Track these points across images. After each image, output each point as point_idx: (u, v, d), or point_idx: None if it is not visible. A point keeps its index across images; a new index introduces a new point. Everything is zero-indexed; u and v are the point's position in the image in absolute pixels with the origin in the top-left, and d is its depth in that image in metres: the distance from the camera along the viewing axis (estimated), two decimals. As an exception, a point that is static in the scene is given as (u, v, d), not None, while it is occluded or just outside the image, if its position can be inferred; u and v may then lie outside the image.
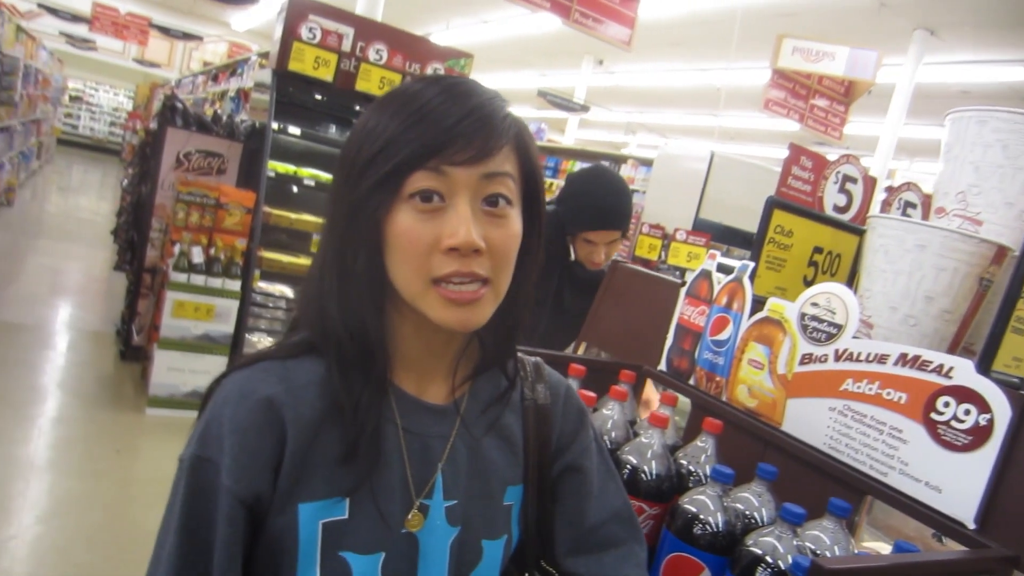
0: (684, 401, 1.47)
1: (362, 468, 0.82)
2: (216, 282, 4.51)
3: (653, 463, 1.17)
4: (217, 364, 4.56)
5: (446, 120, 0.79)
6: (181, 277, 4.42)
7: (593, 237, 2.31)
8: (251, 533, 0.81)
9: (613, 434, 1.28)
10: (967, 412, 1.03)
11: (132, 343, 5.25)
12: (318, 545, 0.80)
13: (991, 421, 1.01)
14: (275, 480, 0.80)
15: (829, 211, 1.54)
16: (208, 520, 0.78)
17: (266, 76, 5.07)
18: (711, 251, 1.48)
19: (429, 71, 5.14)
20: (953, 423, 1.05)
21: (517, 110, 0.88)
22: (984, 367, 1.07)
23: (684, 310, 1.51)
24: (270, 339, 5.14)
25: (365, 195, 0.80)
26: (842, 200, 1.54)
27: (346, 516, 0.82)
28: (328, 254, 0.85)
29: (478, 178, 0.80)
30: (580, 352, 1.86)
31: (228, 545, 0.78)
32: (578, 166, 10.58)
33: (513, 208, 0.84)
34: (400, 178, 0.79)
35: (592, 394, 1.28)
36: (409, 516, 0.85)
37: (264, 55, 6.29)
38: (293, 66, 4.73)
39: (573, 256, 2.39)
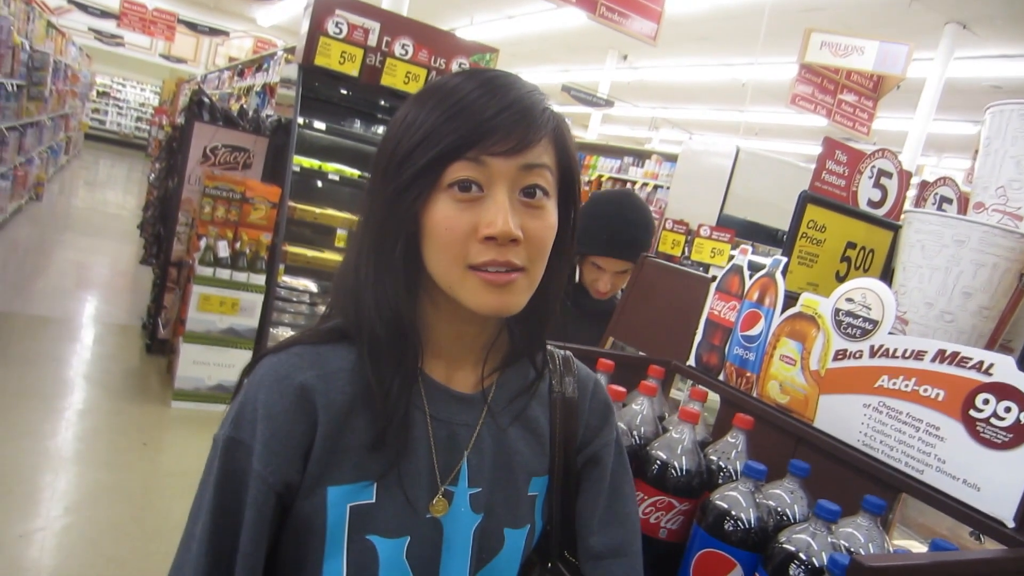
0: (713, 397, 1.45)
1: (390, 454, 0.83)
2: (241, 276, 4.55)
3: (683, 458, 1.16)
4: (242, 358, 4.60)
5: (486, 112, 0.79)
6: (207, 271, 4.46)
7: (602, 263, 2.19)
8: (279, 517, 0.82)
9: (642, 429, 1.27)
10: (1007, 409, 1.01)
11: (158, 336, 5.30)
12: (345, 528, 0.82)
13: (1033, 419, 0.99)
14: (305, 466, 0.81)
15: (863, 206, 1.51)
16: (238, 501, 0.80)
17: (292, 71, 5.09)
18: (742, 246, 1.47)
19: (454, 66, 5.14)
20: (993, 420, 1.02)
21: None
22: (1025, 364, 1.04)
23: (714, 305, 1.49)
24: (294, 333, 5.17)
25: (404, 185, 0.81)
26: (877, 195, 1.52)
27: (373, 500, 0.83)
28: (365, 243, 0.86)
29: (516, 169, 0.81)
30: (607, 347, 1.85)
31: (254, 529, 0.79)
32: (602, 161, 10.52)
33: (550, 200, 0.85)
34: (440, 168, 0.80)
35: (621, 389, 1.27)
36: (434, 501, 0.86)
37: (290, 50, 6.33)
38: (319, 61, 4.75)
39: (578, 278, 2.31)
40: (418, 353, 0.87)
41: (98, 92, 21.58)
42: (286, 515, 0.83)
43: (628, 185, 10.05)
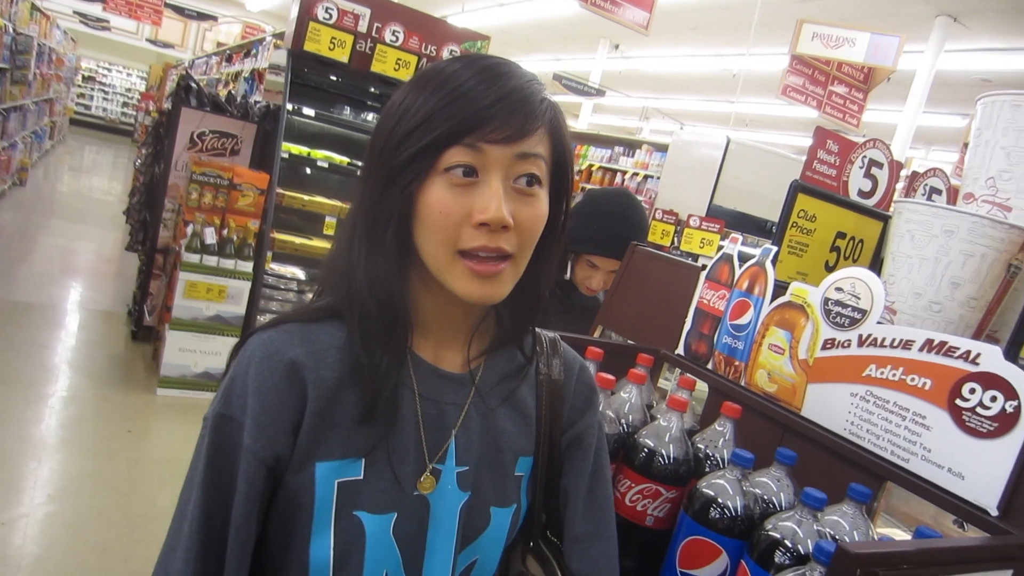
0: (701, 386, 1.46)
1: (378, 430, 0.85)
2: (228, 263, 4.52)
3: (671, 446, 1.16)
4: (228, 345, 4.53)
5: (484, 100, 0.81)
6: (194, 258, 4.43)
7: (598, 262, 2.18)
8: (270, 491, 0.84)
9: (631, 417, 1.27)
10: (993, 399, 1.02)
11: (144, 323, 5.27)
12: (333, 504, 0.83)
13: (1018, 408, 0.99)
14: (294, 440, 0.83)
15: (854, 196, 1.51)
16: (230, 476, 0.81)
17: (281, 57, 5.05)
18: (733, 235, 1.47)
19: (445, 53, 5.11)
20: (979, 410, 1.03)
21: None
22: (1012, 354, 1.05)
23: (704, 294, 1.49)
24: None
25: (401, 167, 0.82)
26: (867, 185, 1.52)
27: (361, 476, 0.85)
28: (358, 223, 0.87)
29: (512, 157, 0.82)
30: (596, 336, 1.85)
31: (246, 503, 0.81)
32: (592, 151, 10.50)
33: (542, 189, 0.86)
34: (436, 152, 0.81)
35: (610, 377, 1.27)
36: (421, 479, 0.87)
37: (279, 36, 6.28)
38: (309, 47, 4.72)
39: (569, 274, 2.30)
40: (408, 332, 0.89)
41: (83, 77, 21.38)
42: (275, 491, 0.84)
43: (618, 175, 10.05)
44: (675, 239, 5.43)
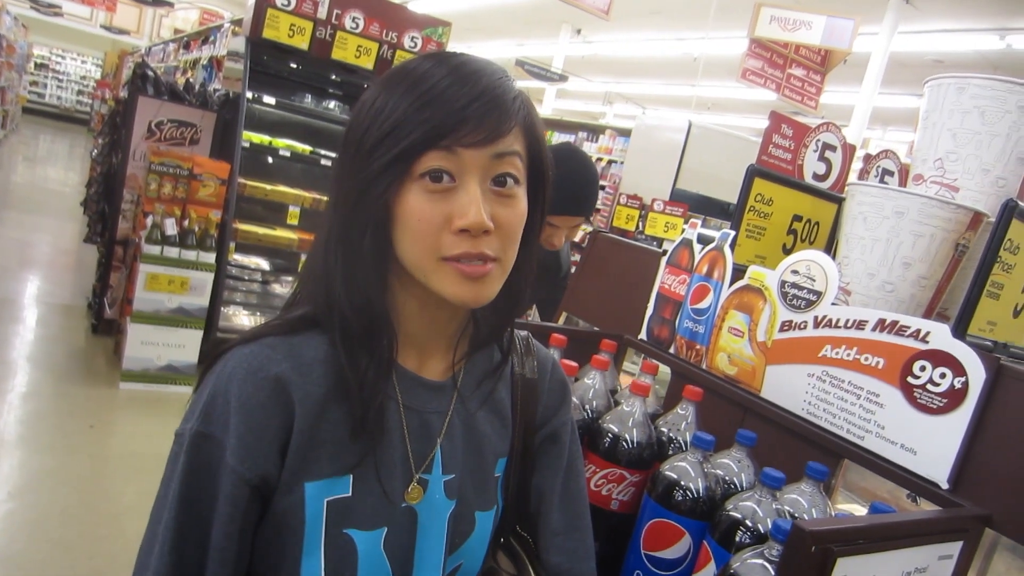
0: (664, 370, 1.48)
1: (366, 444, 0.83)
2: (190, 254, 4.45)
3: (634, 431, 1.18)
4: (192, 338, 4.52)
5: (457, 102, 0.78)
6: (154, 249, 4.35)
7: (559, 222, 2.21)
8: (257, 512, 0.81)
9: (594, 403, 1.28)
10: (943, 375, 1.05)
11: (104, 317, 5.18)
12: (323, 523, 0.81)
13: (966, 384, 1.02)
14: (282, 460, 0.80)
15: (809, 179, 1.54)
16: (208, 497, 0.78)
17: (240, 44, 4.97)
18: (692, 220, 1.49)
19: (406, 40, 5.07)
20: (929, 386, 1.06)
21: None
22: (960, 331, 1.08)
23: (665, 279, 1.51)
24: (246, 312, 5.10)
25: (375, 175, 0.79)
26: (821, 168, 1.55)
27: (350, 493, 0.83)
28: (334, 231, 0.84)
29: (488, 158, 0.80)
30: (560, 322, 1.86)
31: (227, 524, 0.78)
32: (556, 136, 10.51)
33: (520, 187, 0.84)
34: (411, 158, 0.78)
35: (574, 363, 1.29)
36: (408, 489, 0.86)
37: (237, 22, 6.17)
38: (267, 34, 4.65)
39: None
40: (392, 341, 0.86)
41: (36, 64, 20.83)
42: (264, 511, 0.81)
43: (582, 160, 10.05)
44: (640, 224, 5.47)
